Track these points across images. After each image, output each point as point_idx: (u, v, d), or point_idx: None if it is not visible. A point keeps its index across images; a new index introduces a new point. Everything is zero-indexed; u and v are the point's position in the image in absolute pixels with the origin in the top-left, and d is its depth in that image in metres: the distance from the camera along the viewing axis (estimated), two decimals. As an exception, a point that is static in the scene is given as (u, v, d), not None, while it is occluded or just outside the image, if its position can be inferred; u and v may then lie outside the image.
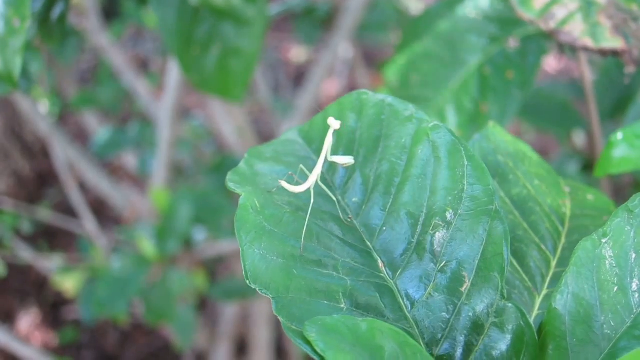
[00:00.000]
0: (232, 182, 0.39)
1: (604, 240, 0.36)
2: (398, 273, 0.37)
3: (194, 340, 1.41)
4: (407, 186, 0.39)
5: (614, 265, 0.36)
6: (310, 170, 0.41)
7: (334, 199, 0.41)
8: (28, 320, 1.85)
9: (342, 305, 0.35)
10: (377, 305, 0.36)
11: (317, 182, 0.41)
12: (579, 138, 1.21)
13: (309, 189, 0.41)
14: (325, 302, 0.35)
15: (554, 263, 0.43)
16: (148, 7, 1.27)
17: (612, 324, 0.35)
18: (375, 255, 0.38)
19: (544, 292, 0.41)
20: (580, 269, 0.35)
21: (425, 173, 0.39)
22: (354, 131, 0.42)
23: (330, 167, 0.43)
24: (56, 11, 0.78)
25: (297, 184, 0.42)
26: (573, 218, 0.46)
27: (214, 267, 1.61)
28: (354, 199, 0.41)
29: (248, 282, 0.35)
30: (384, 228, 0.39)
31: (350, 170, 0.42)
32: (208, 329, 1.58)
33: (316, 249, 0.38)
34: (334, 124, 0.41)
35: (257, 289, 0.35)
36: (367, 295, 0.36)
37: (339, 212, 0.41)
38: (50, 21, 0.78)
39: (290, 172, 0.41)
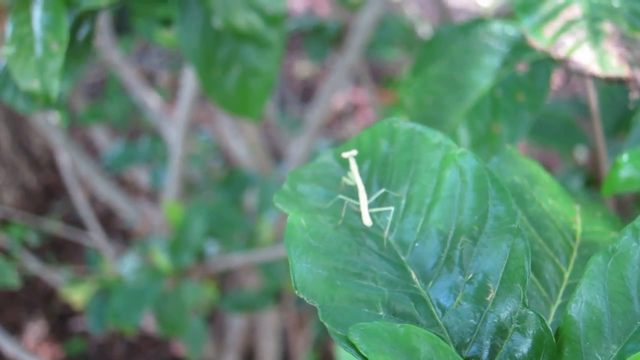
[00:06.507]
0: (279, 202, 0.43)
1: (613, 255, 0.39)
2: (430, 284, 0.41)
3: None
4: (436, 206, 0.43)
5: (622, 277, 0.39)
6: (348, 193, 0.46)
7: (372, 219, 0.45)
8: (35, 332, 1.86)
9: (381, 313, 0.39)
10: (412, 313, 0.40)
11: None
12: (581, 154, 1.24)
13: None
14: (366, 310, 0.39)
15: (567, 275, 0.47)
16: (171, 30, 1.29)
17: (621, 329, 0.38)
18: (408, 268, 0.42)
19: (558, 301, 0.45)
20: (592, 281, 0.39)
21: (453, 194, 0.43)
22: (386, 155, 0.46)
23: (366, 189, 0.47)
24: (82, 32, 0.80)
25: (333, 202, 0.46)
26: (583, 234, 0.50)
27: (223, 280, 1.63)
28: (388, 218, 0.45)
29: (297, 292, 0.39)
30: (416, 244, 0.43)
31: (384, 192, 0.46)
32: (216, 340, 1.59)
33: (356, 262, 0.41)
34: (349, 154, 0.47)
35: (305, 298, 0.39)
36: (403, 304, 0.40)
37: (376, 229, 0.45)
38: (76, 41, 0.80)
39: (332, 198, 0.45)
